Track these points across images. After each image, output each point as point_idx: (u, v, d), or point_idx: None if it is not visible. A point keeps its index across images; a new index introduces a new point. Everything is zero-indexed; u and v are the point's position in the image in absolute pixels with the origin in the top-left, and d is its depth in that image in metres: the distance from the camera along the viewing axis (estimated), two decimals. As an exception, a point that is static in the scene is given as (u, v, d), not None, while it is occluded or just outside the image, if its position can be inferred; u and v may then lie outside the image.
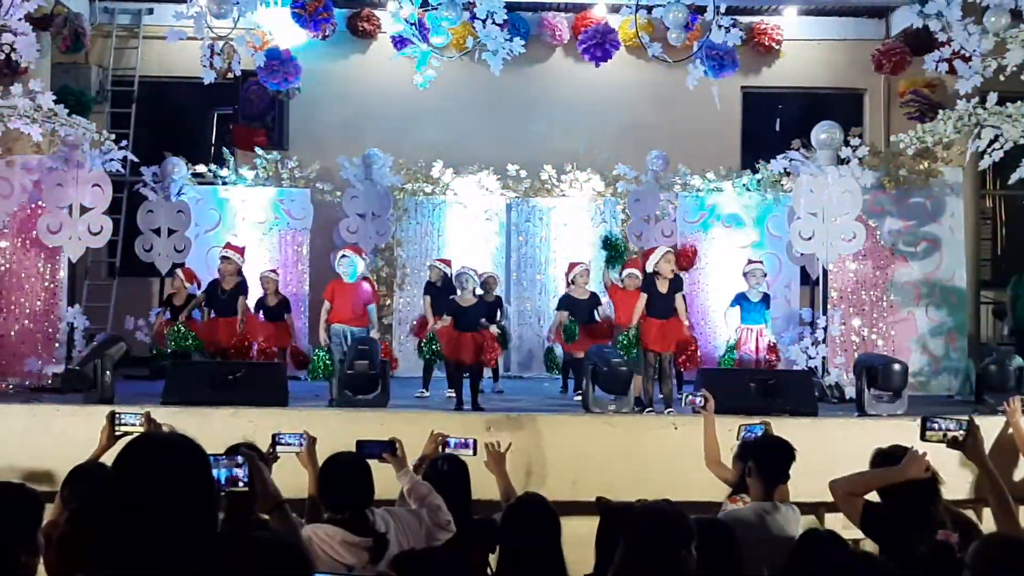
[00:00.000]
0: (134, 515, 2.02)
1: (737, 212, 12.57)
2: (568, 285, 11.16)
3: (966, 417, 3.92)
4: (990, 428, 7.76)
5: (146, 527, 2.01)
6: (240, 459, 2.74)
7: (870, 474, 4.10)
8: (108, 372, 8.41)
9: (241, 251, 10.98)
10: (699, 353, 9.90)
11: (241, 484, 2.74)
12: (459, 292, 9.67)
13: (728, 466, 5.82)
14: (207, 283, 10.97)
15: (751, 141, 14.39)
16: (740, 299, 10.63)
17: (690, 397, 6.20)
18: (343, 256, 10.21)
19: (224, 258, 10.79)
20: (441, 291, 10.73)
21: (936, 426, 3.86)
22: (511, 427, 7.69)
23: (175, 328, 10.45)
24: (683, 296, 9.71)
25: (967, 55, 8.72)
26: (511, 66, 11.24)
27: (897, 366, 8.48)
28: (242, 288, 10.69)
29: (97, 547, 2.11)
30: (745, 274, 10.70)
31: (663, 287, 9.40)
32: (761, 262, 10.93)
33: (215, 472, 2.72)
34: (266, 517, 4.78)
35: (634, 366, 8.85)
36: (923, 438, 3.86)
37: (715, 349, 11.89)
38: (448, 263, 11.24)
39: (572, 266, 11.23)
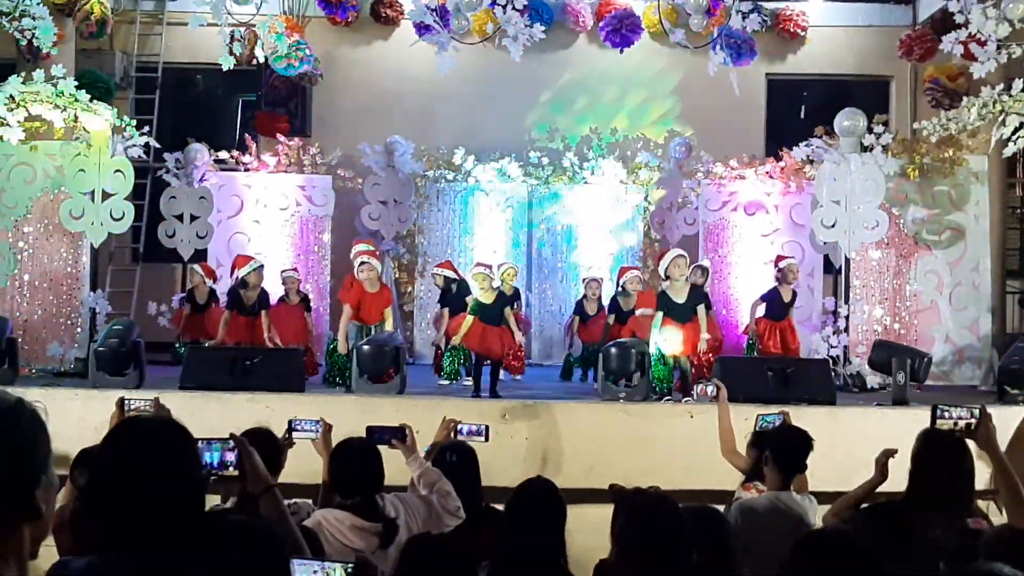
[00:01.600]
0: (117, 497, 2.03)
1: (760, 199, 12.44)
2: (619, 288, 10.86)
3: (977, 405, 3.87)
4: (1012, 418, 7.69)
5: (129, 509, 2.02)
6: (230, 443, 2.74)
7: (851, 494, 4.21)
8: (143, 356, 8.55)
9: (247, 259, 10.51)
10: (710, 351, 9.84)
11: (232, 468, 2.74)
12: (478, 291, 9.39)
13: (744, 454, 5.79)
14: (228, 293, 10.32)
15: (776, 128, 14.27)
16: (772, 295, 10.34)
17: (701, 387, 6.16)
18: (364, 263, 9.51)
19: (249, 273, 10.10)
20: (453, 296, 10.46)
21: (947, 414, 3.82)
22: (527, 414, 7.68)
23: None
24: (706, 309, 9.41)
25: (983, 39, 8.59)
26: (534, 52, 11.13)
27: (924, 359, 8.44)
28: (263, 299, 10.18)
29: (86, 528, 2.13)
30: (782, 270, 10.37)
31: (679, 297, 9.22)
32: (794, 257, 10.72)
33: (207, 456, 2.72)
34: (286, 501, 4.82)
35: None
36: (933, 426, 3.83)
37: (739, 339, 11.82)
38: (447, 265, 11.07)
39: (624, 270, 11.06)
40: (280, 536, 2.14)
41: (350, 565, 2.90)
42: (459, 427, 5.53)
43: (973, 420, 3.79)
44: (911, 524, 3.77)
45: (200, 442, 2.77)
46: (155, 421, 2.23)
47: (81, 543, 3.71)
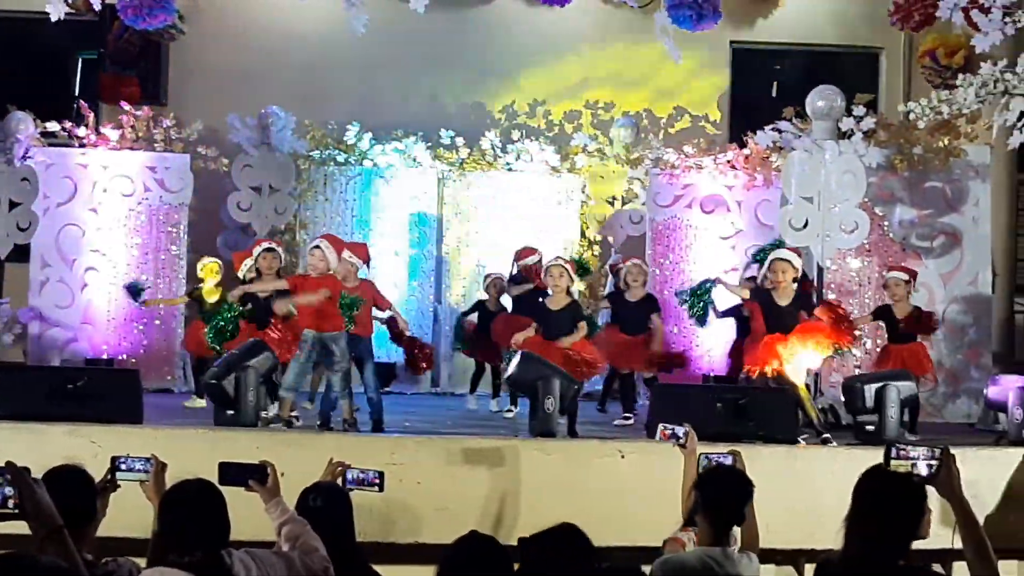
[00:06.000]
0: None
1: (720, 195, 12.63)
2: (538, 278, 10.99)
3: (940, 446, 4.00)
4: (1010, 462, 7.92)
5: None
6: (4, 475, 2.74)
7: None
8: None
9: None
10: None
11: (10, 505, 2.74)
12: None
13: None
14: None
15: (742, 109, 14.48)
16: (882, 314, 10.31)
17: (663, 429, 6.14)
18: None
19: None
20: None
21: (903, 454, 3.94)
22: (420, 452, 7.72)
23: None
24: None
25: (987, 5, 8.84)
26: (447, 8, 11.08)
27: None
28: None
29: None
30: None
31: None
32: (903, 271, 10.46)
33: None
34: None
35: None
36: (886, 467, 3.95)
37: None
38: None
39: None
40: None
41: None
42: (347, 473, 5.53)
43: (932, 463, 3.91)
44: None
45: None
46: None
47: None
